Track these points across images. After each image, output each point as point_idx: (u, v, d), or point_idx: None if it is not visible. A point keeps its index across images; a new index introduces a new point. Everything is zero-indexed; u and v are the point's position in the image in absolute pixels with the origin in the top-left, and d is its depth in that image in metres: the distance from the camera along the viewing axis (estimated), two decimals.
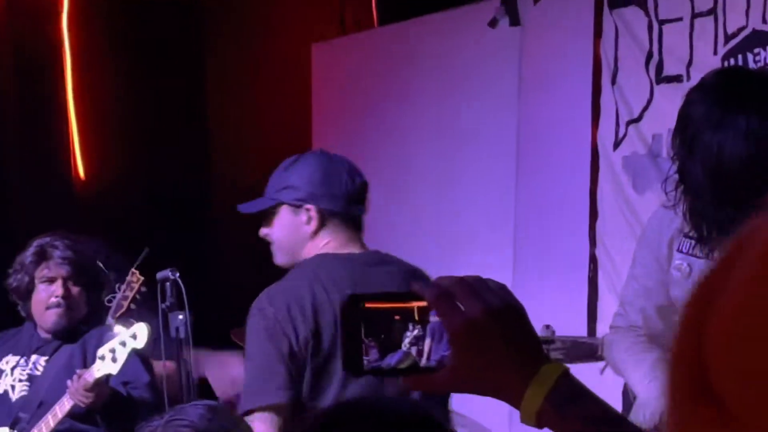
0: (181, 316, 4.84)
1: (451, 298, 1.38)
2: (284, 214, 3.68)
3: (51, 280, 4.99)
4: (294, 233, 3.66)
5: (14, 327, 5.29)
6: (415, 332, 1.43)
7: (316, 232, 3.61)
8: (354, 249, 3.66)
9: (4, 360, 5.08)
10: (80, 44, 7.28)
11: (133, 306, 5.18)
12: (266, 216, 3.76)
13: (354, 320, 1.45)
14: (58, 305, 4.96)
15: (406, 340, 1.42)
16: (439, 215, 6.78)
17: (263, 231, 3.67)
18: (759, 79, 3.38)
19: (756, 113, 3.10)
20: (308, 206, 3.57)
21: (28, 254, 5.09)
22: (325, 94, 7.69)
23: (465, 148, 6.69)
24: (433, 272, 6.10)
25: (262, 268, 7.11)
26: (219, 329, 5.49)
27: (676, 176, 3.32)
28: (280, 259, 3.70)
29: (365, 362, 1.44)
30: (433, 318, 1.44)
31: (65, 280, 4.96)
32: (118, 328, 4.88)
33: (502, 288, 1.43)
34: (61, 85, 7.25)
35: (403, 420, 1.65)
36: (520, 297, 1.45)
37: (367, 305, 1.46)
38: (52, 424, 4.91)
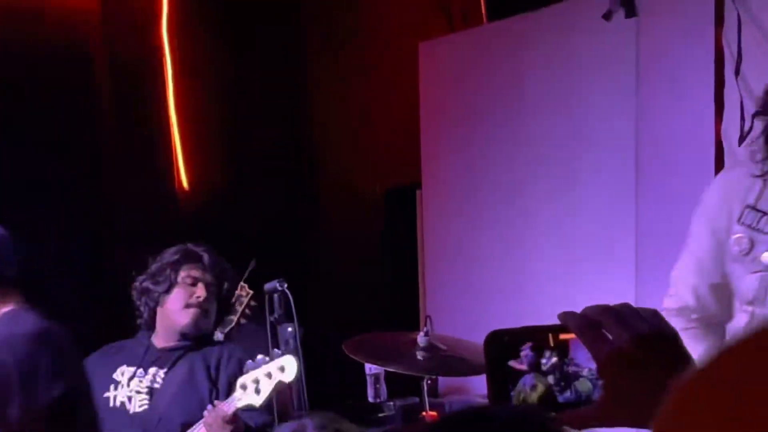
0: (290, 329, 4.75)
1: (597, 328, 1.39)
2: None
3: (194, 283, 5.04)
4: None
5: (113, 341, 5.29)
6: (553, 360, 1.45)
7: None
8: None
9: (119, 371, 5.07)
10: (180, 52, 7.38)
11: (243, 321, 5.21)
12: None
13: (496, 355, 1.47)
14: (198, 306, 5.01)
15: (546, 368, 1.45)
16: (555, 219, 6.62)
17: None
18: None
19: None
20: None
21: (172, 255, 5.16)
22: (434, 95, 7.49)
23: (581, 148, 6.55)
24: (549, 279, 6.17)
25: (371, 276, 7.49)
26: (330, 342, 5.36)
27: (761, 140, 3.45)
28: None
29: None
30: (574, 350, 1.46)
31: (208, 286, 5.04)
32: (259, 359, 4.75)
33: (654, 314, 1.42)
34: (162, 95, 7.34)
35: (517, 425, 1.50)
36: (644, 304, 1.47)
37: (507, 339, 1.48)
38: None
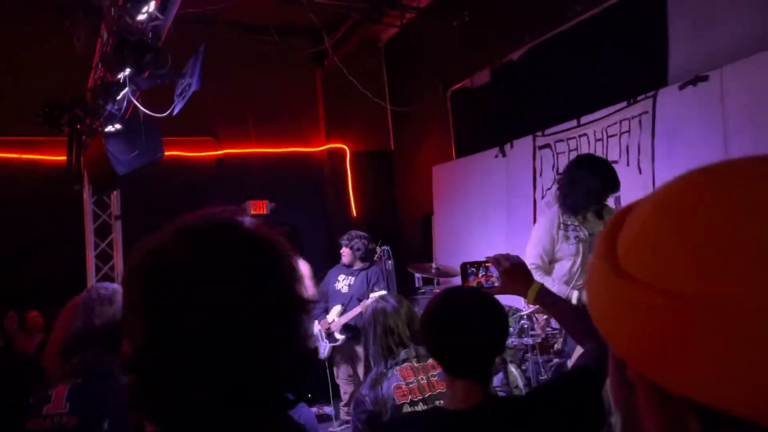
0: (390, 261, 8.08)
1: (498, 261, 2.25)
2: None
3: (344, 248, 7.82)
4: None
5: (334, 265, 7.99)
6: (483, 272, 2.25)
7: None
8: None
9: (339, 276, 7.82)
10: (354, 171, 11.29)
11: (378, 260, 7.78)
12: None
13: (463, 271, 2.29)
14: (346, 257, 7.76)
15: (480, 275, 2.28)
16: (486, 232, 8.48)
17: None
18: (599, 161, 4.85)
19: (599, 175, 4.67)
20: None
21: (340, 238, 7.79)
22: (438, 185, 10.04)
23: (490, 222, 8.42)
24: (482, 245, 8.25)
25: (419, 247, 10.82)
26: (402, 268, 8.05)
27: (557, 192, 4.76)
28: None
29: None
30: (491, 268, 2.18)
31: (348, 249, 7.76)
32: (378, 288, 6.85)
33: (517, 257, 2.35)
34: (346, 186, 11.21)
35: (480, 295, 2.28)
36: (513, 252, 2.29)
37: (468, 265, 2.32)
38: (353, 314, 7.12)
